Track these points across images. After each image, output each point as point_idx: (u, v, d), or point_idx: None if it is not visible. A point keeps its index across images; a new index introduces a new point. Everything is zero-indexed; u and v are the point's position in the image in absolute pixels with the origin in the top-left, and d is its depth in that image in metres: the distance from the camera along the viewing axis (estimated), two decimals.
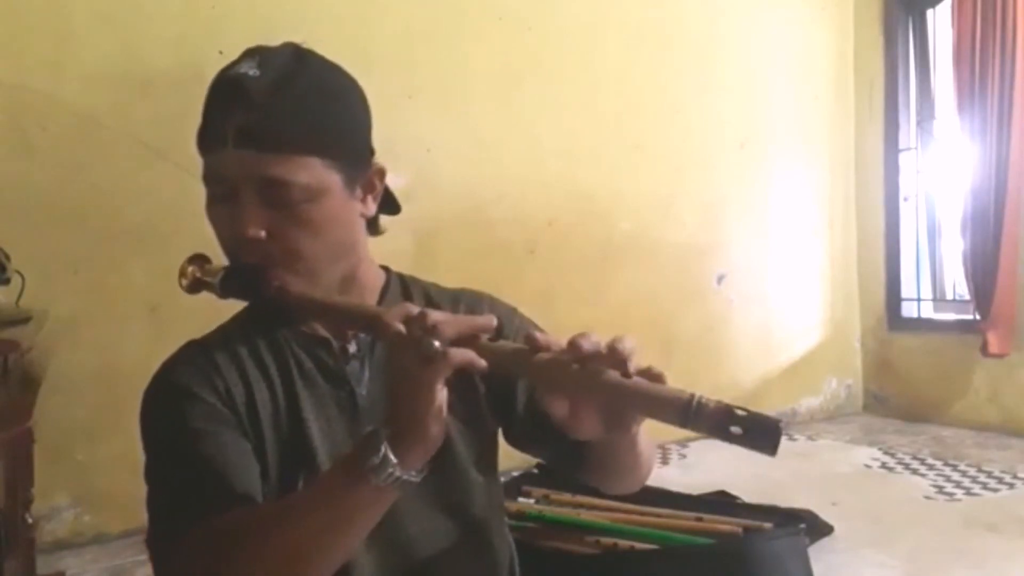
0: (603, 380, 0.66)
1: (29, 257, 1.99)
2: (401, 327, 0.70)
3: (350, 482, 0.70)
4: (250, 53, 0.84)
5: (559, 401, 0.71)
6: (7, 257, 1.77)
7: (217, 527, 0.73)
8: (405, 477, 0.69)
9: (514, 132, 3.10)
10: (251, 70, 0.81)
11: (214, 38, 2.50)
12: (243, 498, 0.77)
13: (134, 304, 2.45)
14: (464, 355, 0.70)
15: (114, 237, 2.43)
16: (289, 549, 0.71)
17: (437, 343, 0.68)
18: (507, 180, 3.08)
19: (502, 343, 0.75)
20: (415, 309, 0.71)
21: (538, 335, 0.71)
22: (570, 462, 0.91)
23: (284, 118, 0.80)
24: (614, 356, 0.67)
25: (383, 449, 0.68)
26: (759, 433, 0.60)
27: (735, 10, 3.61)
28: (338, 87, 0.87)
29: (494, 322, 0.73)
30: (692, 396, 0.62)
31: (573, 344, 0.68)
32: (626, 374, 0.67)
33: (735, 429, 0.61)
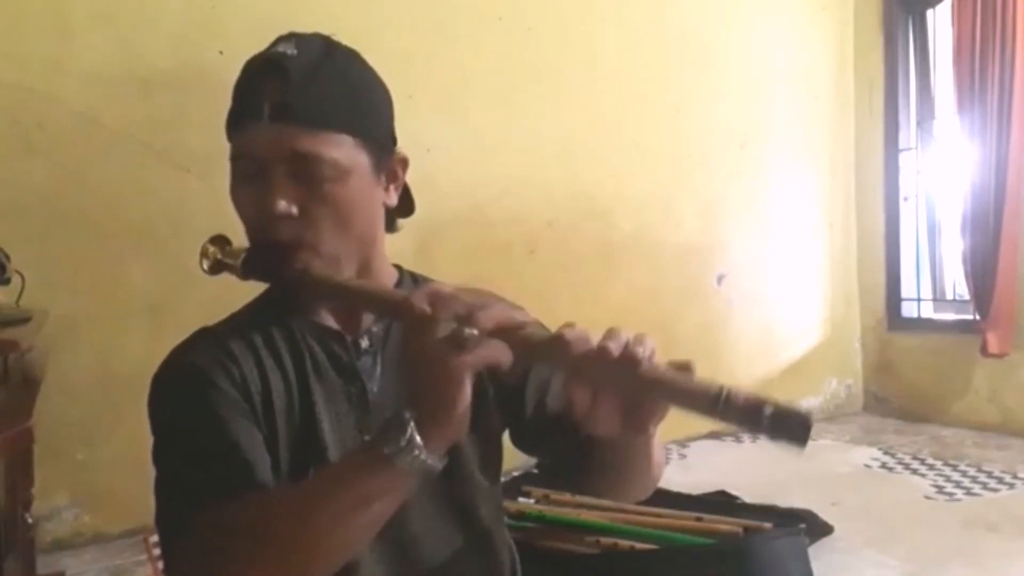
0: (639, 371, 0.66)
1: (29, 257, 1.99)
2: (427, 307, 0.69)
3: (372, 465, 0.69)
4: (285, 37, 0.86)
5: (582, 392, 0.69)
6: (7, 257, 1.76)
7: (232, 510, 0.72)
8: (429, 461, 0.68)
9: (514, 132, 3.10)
10: (289, 50, 0.83)
11: (214, 38, 2.50)
12: (260, 485, 0.77)
13: (134, 304, 2.45)
14: (494, 353, 0.68)
15: (114, 237, 2.43)
16: (306, 534, 0.70)
17: (476, 331, 0.67)
18: (507, 180, 3.08)
19: (534, 332, 0.71)
20: (445, 289, 0.71)
21: (568, 330, 0.69)
22: (576, 465, 0.90)
23: (320, 94, 0.82)
24: (643, 346, 0.67)
25: (409, 431, 0.67)
26: (788, 426, 0.61)
27: (735, 10, 3.61)
28: (367, 74, 0.90)
29: (530, 320, 0.73)
30: (721, 388, 0.63)
31: (605, 340, 0.67)
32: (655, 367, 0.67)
33: (764, 421, 0.62)
